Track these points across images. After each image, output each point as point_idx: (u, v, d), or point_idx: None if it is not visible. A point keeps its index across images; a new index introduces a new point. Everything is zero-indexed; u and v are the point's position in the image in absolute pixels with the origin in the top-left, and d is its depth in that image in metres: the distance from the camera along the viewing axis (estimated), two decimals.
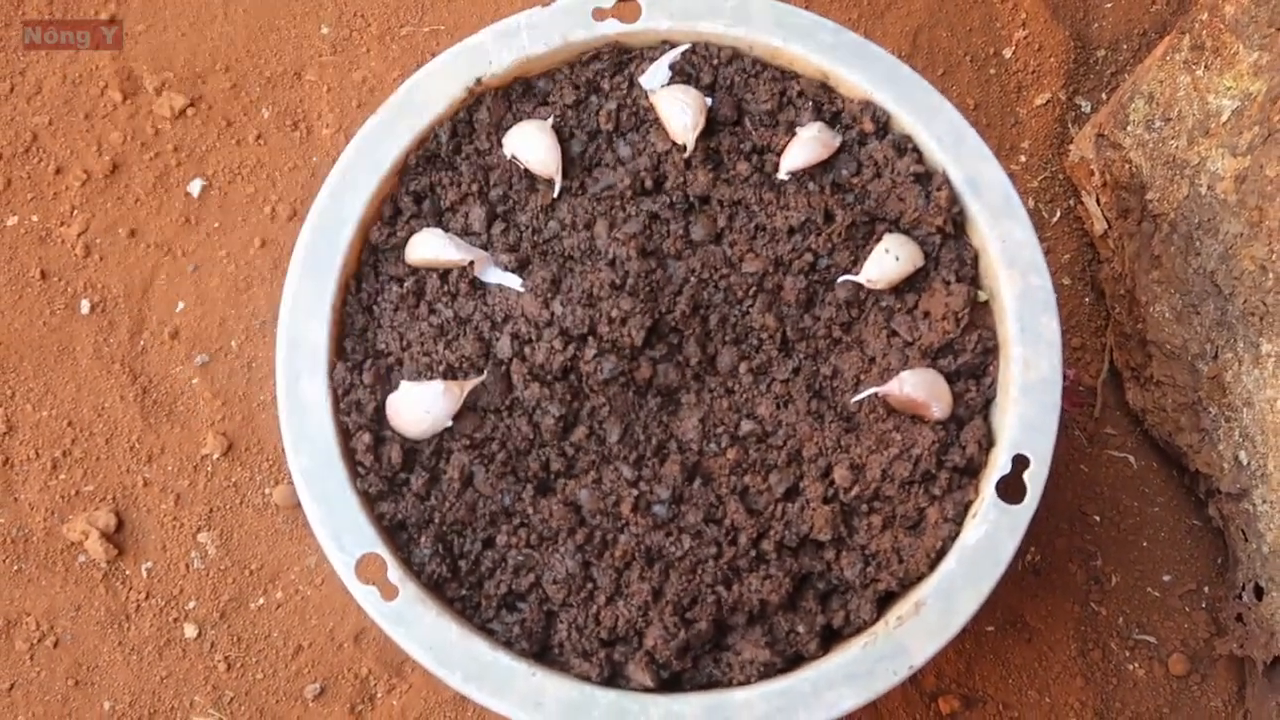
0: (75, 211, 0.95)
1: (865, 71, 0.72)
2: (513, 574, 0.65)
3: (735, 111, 0.73)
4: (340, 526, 0.64)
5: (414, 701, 0.85)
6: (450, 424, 0.66)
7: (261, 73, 0.99)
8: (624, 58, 0.74)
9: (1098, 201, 0.96)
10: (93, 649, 0.86)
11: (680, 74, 0.73)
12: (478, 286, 0.69)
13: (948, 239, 0.71)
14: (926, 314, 0.69)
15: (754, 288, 0.70)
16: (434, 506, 0.66)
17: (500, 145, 0.72)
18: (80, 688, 0.85)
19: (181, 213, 0.96)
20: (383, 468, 0.66)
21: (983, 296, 0.70)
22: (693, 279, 0.70)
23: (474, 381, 0.66)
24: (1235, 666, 0.88)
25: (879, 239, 0.70)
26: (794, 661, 0.65)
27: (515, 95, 0.73)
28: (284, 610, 0.87)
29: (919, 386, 0.66)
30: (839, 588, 0.67)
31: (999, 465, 0.66)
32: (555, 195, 0.71)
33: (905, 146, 0.72)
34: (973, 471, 0.67)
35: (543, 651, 0.65)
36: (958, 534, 0.66)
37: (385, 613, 0.63)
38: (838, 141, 0.71)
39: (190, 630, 0.86)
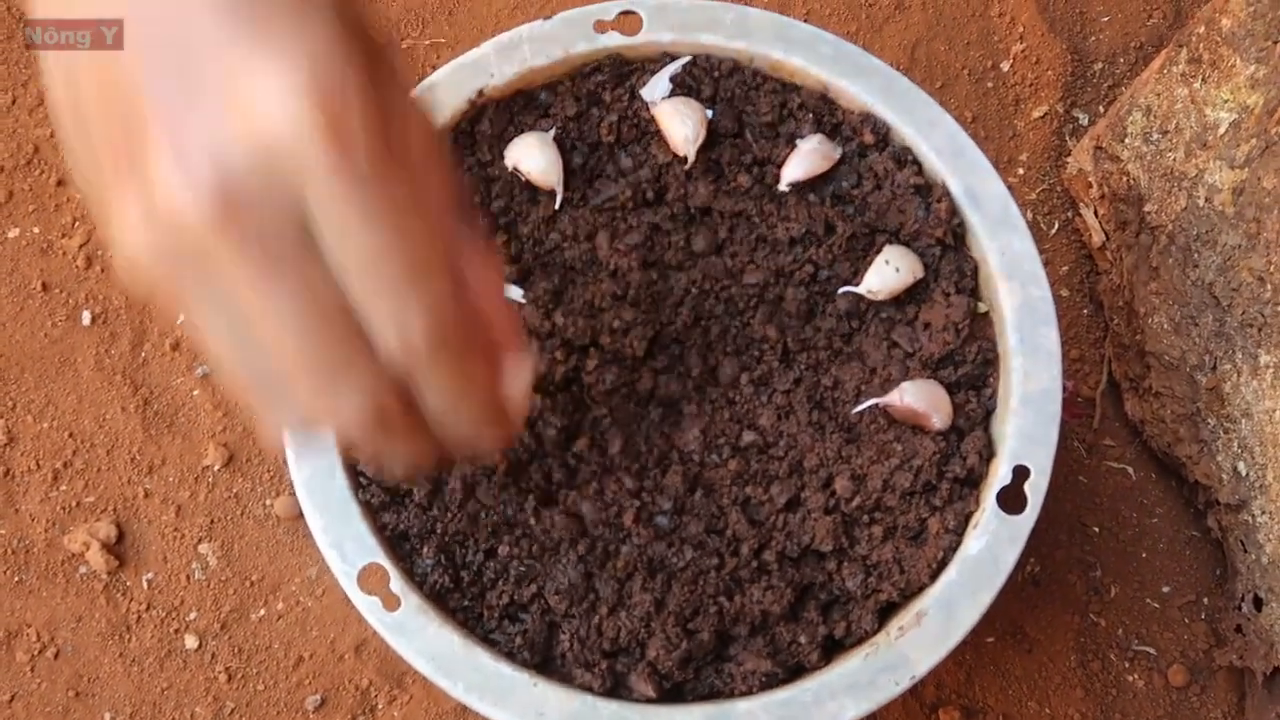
0: (77, 224, 0.95)
1: (865, 84, 0.73)
2: (515, 585, 0.65)
3: (736, 124, 0.73)
4: (342, 537, 0.64)
5: (415, 713, 0.85)
6: None
7: None
8: (625, 70, 0.74)
9: (1096, 214, 0.96)
10: (94, 660, 0.86)
11: (681, 86, 0.73)
12: None
13: (947, 250, 0.71)
14: (927, 325, 0.70)
15: (755, 299, 0.70)
16: (436, 517, 0.66)
17: (502, 157, 0.72)
18: (81, 699, 0.85)
19: None
20: (385, 478, 0.66)
21: (982, 308, 0.70)
22: (694, 290, 0.70)
23: None
24: (1235, 678, 0.88)
25: (879, 250, 0.70)
26: (796, 672, 0.65)
27: (517, 107, 0.74)
28: (285, 621, 0.87)
29: (920, 397, 0.67)
30: (840, 598, 0.67)
31: (999, 476, 0.66)
32: (557, 207, 0.71)
33: (905, 159, 0.72)
34: (973, 482, 0.68)
35: (545, 662, 0.65)
36: (959, 544, 0.66)
37: (387, 623, 0.63)
38: (838, 154, 0.72)
39: (191, 641, 0.86)
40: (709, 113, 0.72)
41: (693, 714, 0.63)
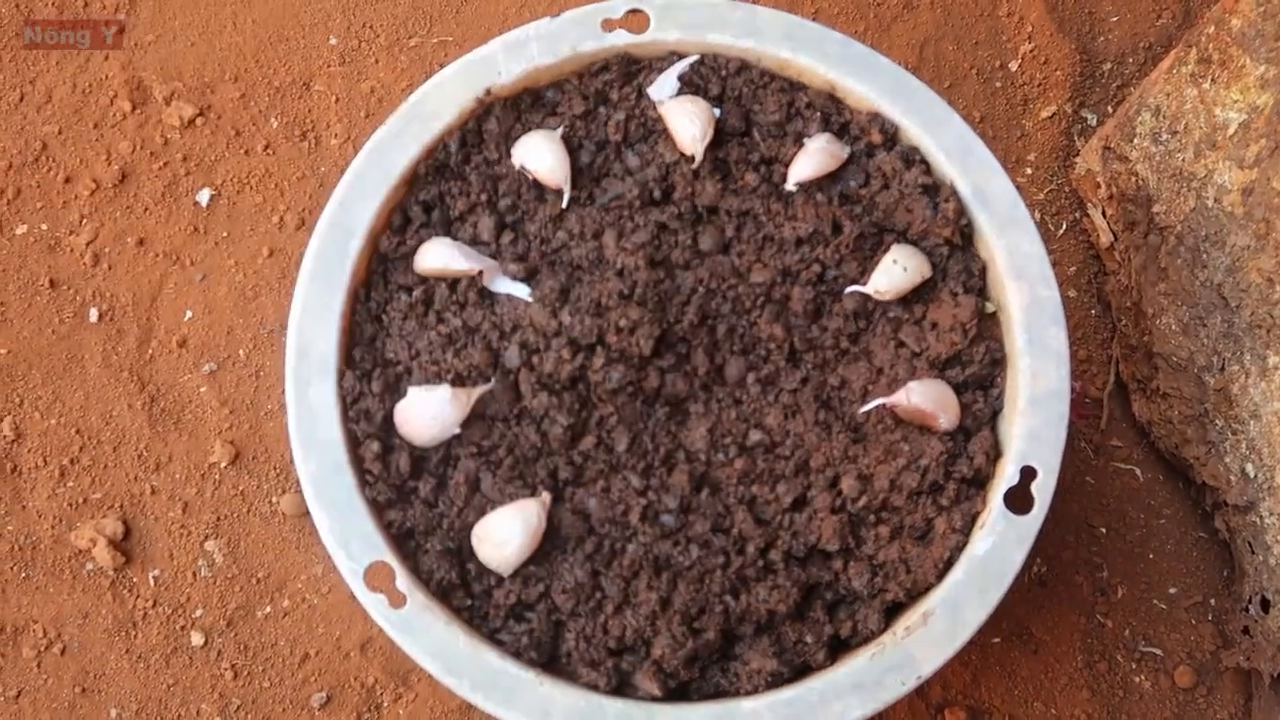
0: (84, 220, 0.95)
1: (873, 83, 0.73)
2: (521, 583, 0.65)
3: (743, 122, 0.73)
4: (348, 534, 0.64)
5: (420, 711, 0.85)
6: (458, 431, 0.66)
7: (270, 83, 1.00)
8: (632, 69, 0.74)
9: (1104, 214, 0.96)
10: (100, 657, 0.86)
11: (689, 85, 0.73)
12: (486, 296, 0.70)
13: (955, 250, 0.71)
14: (934, 325, 0.69)
15: (762, 298, 0.70)
16: (442, 514, 0.66)
17: (509, 155, 0.72)
18: (87, 695, 0.85)
19: (190, 222, 0.96)
20: (391, 475, 0.66)
21: (990, 308, 0.70)
22: (701, 289, 0.70)
23: (482, 389, 0.66)
24: (1242, 679, 0.88)
25: (887, 250, 0.70)
26: (801, 671, 0.65)
27: (524, 106, 0.74)
28: (291, 619, 0.87)
29: (927, 397, 0.66)
30: (846, 598, 0.67)
31: (1006, 476, 0.66)
32: (564, 205, 0.71)
33: (913, 158, 0.72)
34: (980, 482, 0.67)
35: (550, 660, 0.65)
36: (965, 545, 0.66)
37: (393, 620, 0.63)
38: (846, 153, 0.72)
39: (197, 638, 0.86)
40: (716, 111, 0.72)
41: (698, 713, 0.63)
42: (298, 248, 0.95)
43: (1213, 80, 0.84)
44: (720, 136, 0.72)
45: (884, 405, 0.68)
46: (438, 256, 0.69)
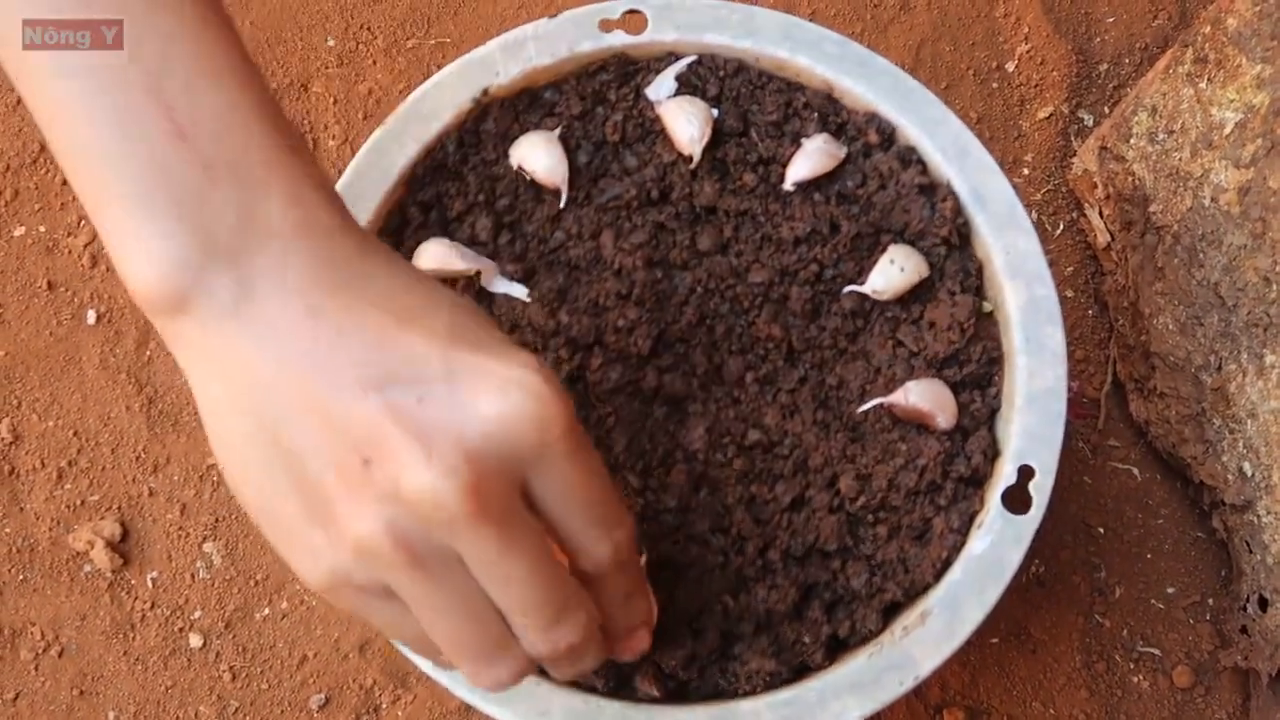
0: (82, 222, 0.95)
1: (870, 83, 0.73)
2: None
3: (741, 123, 0.73)
4: None
5: (418, 712, 0.85)
6: None
7: (268, 84, 1.00)
8: (630, 69, 0.74)
9: (1101, 214, 0.96)
10: (98, 659, 0.86)
11: (686, 85, 0.73)
12: (484, 296, 0.70)
13: (953, 250, 0.71)
14: (932, 324, 0.70)
15: (760, 298, 0.70)
16: None
17: (507, 156, 0.72)
18: (85, 697, 0.85)
19: None
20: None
21: (987, 307, 0.70)
22: (699, 289, 0.70)
23: None
24: (1240, 679, 0.88)
25: (884, 250, 0.70)
26: (800, 672, 0.65)
27: (522, 106, 0.74)
28: (289, 620, 0.87)
29: (924, 397, 0.67)
30: (845, 598, 0.67)
31: (1004, 476, 0.66)
32: (562, 205, 0.71)
33: (910, 158, 0.72)
34: (978, 482, 0.68)
35: None
36: (963, 544, 0.66)
37: None
38: (843, 153, 0.72)
39: (195, 640, 0.86)
40: (714, 112, 0.72)
41: (697, 714, 0.63)
42: None
43: (1209, 80, 0.84)
44: (718, 137, 0.72)
45: (882, 405, 0.68)
46: (435, 257, 0.69)
